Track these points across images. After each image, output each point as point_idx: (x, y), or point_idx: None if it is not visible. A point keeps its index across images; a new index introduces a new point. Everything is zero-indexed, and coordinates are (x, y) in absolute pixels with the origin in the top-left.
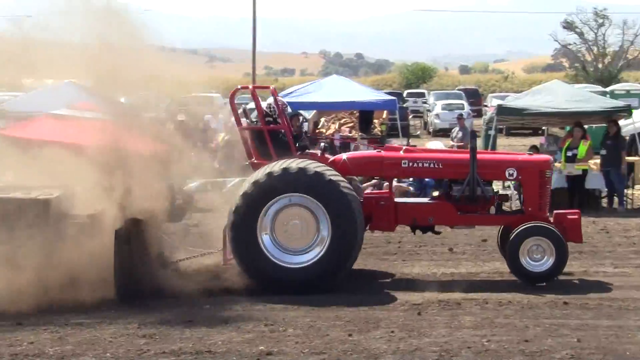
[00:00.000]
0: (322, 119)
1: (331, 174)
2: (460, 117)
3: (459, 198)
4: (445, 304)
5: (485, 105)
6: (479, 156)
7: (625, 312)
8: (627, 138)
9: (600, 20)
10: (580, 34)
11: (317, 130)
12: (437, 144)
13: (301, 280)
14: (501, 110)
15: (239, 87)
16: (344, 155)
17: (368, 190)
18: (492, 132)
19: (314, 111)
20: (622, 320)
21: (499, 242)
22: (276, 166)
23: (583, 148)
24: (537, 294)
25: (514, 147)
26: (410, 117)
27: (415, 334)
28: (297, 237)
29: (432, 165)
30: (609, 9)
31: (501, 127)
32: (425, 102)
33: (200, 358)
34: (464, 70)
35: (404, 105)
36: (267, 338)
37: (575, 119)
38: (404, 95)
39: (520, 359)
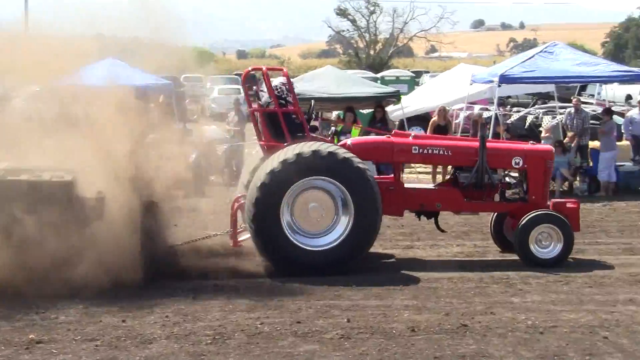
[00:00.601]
0: None
1: (358, 161)
2: (236, 102)
3: (466, 185)
4: (219, 289)
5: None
6: (487, 145)
7: (392, 292)
8: (397, 123)
9: (372, 8)
10: (353, 21)
11: None
12: (213, 129)
13: (323, 263)
14: None
15: (250, 69)
16: (348, 141)
17: None
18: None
19: None
20: (389, 300)
21: (492, 228)
22: (305, 147)
23: (355, 132)
24: (309, 277)
25: None
26: (187, 101)
27: (189, 318)
28: (316, 221)
29: (441, 152)
30: None
31: None
32: (202, 87)
33: None
34: (242, 55)
35: (182, 89)
36: (37, 326)
37: (347, 104)
38: (181, 79)
39: (292, 340)
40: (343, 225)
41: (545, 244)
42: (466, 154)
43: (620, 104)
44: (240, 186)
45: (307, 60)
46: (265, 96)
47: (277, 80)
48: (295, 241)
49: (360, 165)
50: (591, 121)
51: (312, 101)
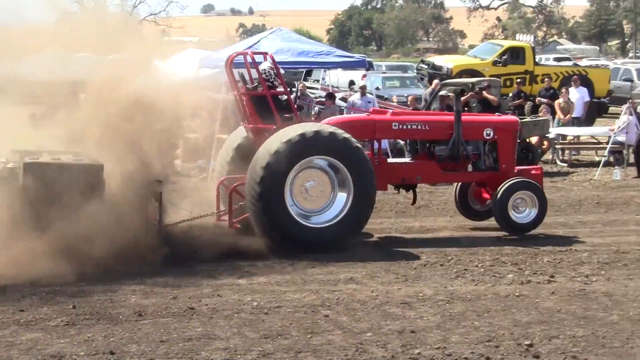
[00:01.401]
0: None
1: (354, 140)
2: None
3: (443, 157)
4: None
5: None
6: (462, 118)
7: (119, 277)
8: None
9: None
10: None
11: None
12: None
13: (326, 240)
14: None
15: (235, 53)
16: (327, 120)
17: None
18: None
19: None
20: (116, 285)
21: (457, 198)
22: (308, 128)
23: None
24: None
25: None
26: None
27: None
28: (314, 198)
29: (420, 127)
30: None
31: None
32: None
33: None
34: None
35: None
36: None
37: None
38: None
39: (14, 328)
40: (341, 202)
41: (522, 209)
42: (442, 128)
43: (344, 89)
44: (220, 164)
45: None
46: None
47: (264, 65)
48: (298, 219)
49: (358, 144)
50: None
51: (297, 83)
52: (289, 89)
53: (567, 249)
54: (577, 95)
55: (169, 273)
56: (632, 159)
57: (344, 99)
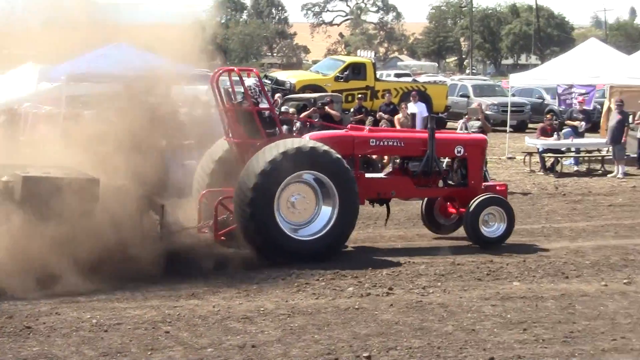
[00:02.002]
0: None
1: (335, 153)
2: None
3: (417, 173)
4: None
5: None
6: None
7: None
8: None
9: None
10: None
11: None
12: None
13: (314, 251)
14: None
15: (220, 70)
16: (306, 136)
17: None
18: None
19: None
20: None
21: (424, 213)
22: (289, 145)
23: None
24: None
25: None
26: None
27: None
28: (301, 211)
29: (395, 144)
30: None
31: None
32: None
33: None
34: None
35: None
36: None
37: None
38: None
39: None
40: (327, 213)
41: (491, 224)
42: (417, 145)
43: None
44: (200, 176)
45: None
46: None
47: (249, 81)
48: (289, 233)
49: (339, 156)
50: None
51: (278, 99)
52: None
53: (406, 261)
54: (415, 110)
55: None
56: None
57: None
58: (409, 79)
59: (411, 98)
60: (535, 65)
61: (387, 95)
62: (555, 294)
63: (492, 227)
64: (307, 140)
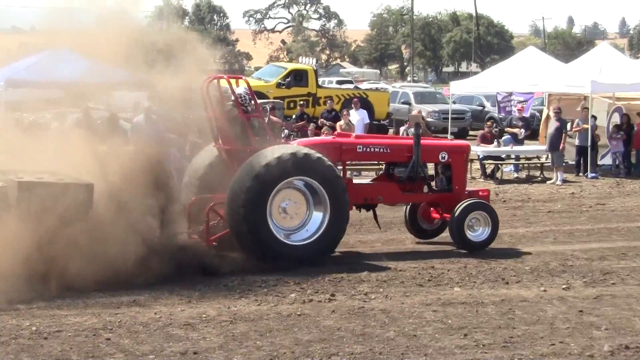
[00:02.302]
0: None
1: (327, 160)
2: None
3: (402, 179)
4: None
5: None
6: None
7: None
8: None
9: None
10: None
11: None
12: None
13: (306, 256)
14: None
15: (210, 77)
16: (294, 142)
17: None
18: None
19: None
20: None
21: (407, 218)
22: (283, 150)
23: None
24: None
25: None
26: None
27: None
28: (292, 217)
29: (382, 150)
30: None
31: None
32: None
33: None
34: None
35: None
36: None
37: None
38: None
39: None
40: (318, 219)
41: (476, 229)
42: (402, 151)
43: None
44: (190, 181)
45: None
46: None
47: (240, 89)
48: (281, 239)
49: (331, 164)
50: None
51: (267, 106)
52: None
53: (348, 267)
54: (357, 117)
55: None
56: None
57: (128, 120)
58: (351, 86)
59: (353, 105)
60: (476, 73)
61: (329, 102)
62: (496, 300)
63: (477, 232)
64: (301, 147)
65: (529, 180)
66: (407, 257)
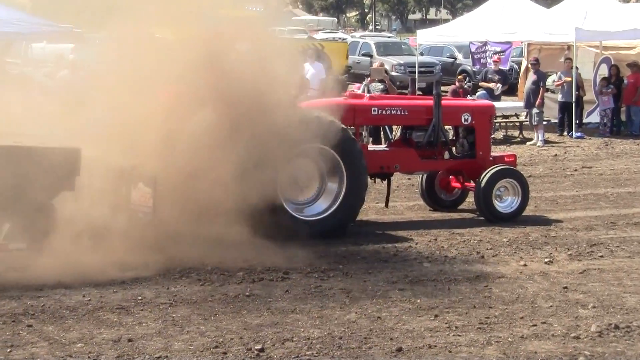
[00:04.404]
0: None
1: (340, 124)
2: None
3: (421, 144)
4: None
5: None
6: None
7: None
8: None
9: None
10: None
11: None
12: None
13: (322, 230)
14: None
15: None
16: (308, 104)
17: None
18: None
19: None
20: None
21: (424, 187)
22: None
23: None
24: None
25: None
26: None
27: None
28: (304, 189)
29: (398, 112)
30: None
31: None
32: None
33: None
34: None
35: None
36: None
37: None
38: None
39: None
40: (333, 189)
41: (505, 198)
42: (421, 113)
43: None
44: None
45: None
46: None
47: None
48: (294, 213)
49: (344, 126)
50: None
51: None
52: None
53: (302, 241)
54: (312, 71)
55: None
56: None
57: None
58: (305, 36)
59: (307, 57)
60: (446, 21)
61: None
62: (470, 276)
63: (506, 202)
64: (311, 109)
65: (507, 141)
66: (369, 228)
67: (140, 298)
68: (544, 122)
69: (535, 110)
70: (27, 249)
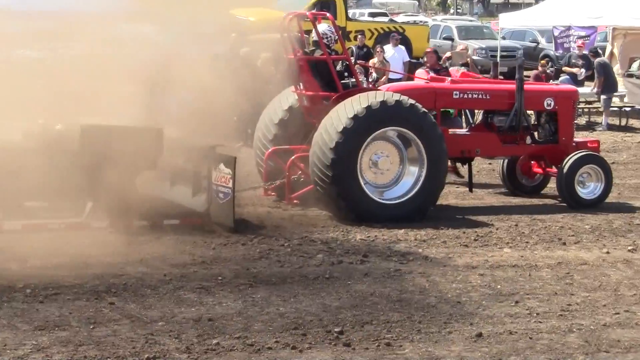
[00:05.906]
0: None
1: (421, 107)
2: None
3: (503, 129)
4: None
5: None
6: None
7: None
8: None
9: None
10: None
11: None
12: None
13: (402, 214)
14: None
15: (290, 14)
16: (383, 87)
17: None
18: None
19: None
20: None
21: (505, 172)
22: (372, 98)
23: None
24: None
25: None
26: None
27: None
28: (384, 172)
29: (480, 96)
30: None
31: None
32: None
33: None
34: None
35: None
36: None
37: None
38: None
39: None
40: (413, 172)
41: (588, 184)
42: (503, 97)
43: None
44: (262, 133)
45: None
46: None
47: (322, 27)
48: (374, 197)
49: (425, 110)
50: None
51: (353, 48)
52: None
53: (382, 224)
54: (394, 54)
55: None
56: None
57: None
58: (385, 19)
59: (391, 40)
60: (529, 5)
61: (360, 37)
62: (551, 262)
63: (589, 188)
64: (391, 93)
65: (590, 127)
66: (450, 213)
67: (220, 278)
68: (627, 109)
69: (602, 96)
70: (109, 228)
